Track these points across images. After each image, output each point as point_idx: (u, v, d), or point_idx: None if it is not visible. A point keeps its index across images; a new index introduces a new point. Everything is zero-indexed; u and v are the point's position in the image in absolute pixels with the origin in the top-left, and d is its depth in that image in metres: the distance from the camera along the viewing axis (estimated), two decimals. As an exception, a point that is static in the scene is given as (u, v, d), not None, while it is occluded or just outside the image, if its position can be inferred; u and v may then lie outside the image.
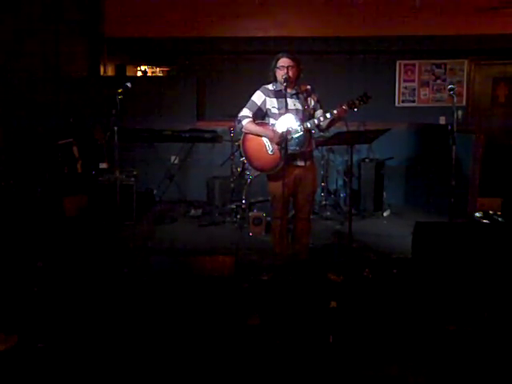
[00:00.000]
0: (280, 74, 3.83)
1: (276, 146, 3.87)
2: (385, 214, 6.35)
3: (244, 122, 3.96)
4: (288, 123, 3.79)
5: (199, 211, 6.36)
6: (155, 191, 6.71)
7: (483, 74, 7.41)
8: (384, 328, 3.17)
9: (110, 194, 5.45)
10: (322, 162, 6.27)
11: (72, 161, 6.03)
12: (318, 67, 6.88)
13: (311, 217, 4.31)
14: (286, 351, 2.93)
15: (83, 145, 6.18)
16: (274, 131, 3.87)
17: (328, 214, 6.23)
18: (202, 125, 7.16)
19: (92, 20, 7.35)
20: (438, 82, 7.39)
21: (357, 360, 2.85)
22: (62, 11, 6.62)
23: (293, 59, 3.85)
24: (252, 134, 3.97)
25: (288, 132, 3.77)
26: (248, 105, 3.99)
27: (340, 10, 7.04)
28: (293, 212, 4.25)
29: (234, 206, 6.03)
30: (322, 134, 4.70)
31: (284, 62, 3.84)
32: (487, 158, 6.16)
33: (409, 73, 7.41)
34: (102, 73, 7.50)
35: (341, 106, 3.74)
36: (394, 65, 7.40)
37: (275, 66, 3.89)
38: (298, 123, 3.84)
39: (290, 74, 3.82)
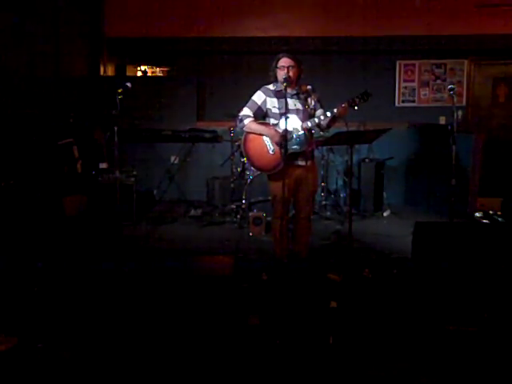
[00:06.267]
0: (280, 74, 3.83)
1: (277, 146, 3.87)
2: (385, 214, 6.35)
3: (246, 121, 3.96)
4: (289, 123, 3.79)
5: (199, 211, 6.35)
6: (155, 191, 6.70)
7: (483, 74, 7.41)
8: (384, 328, 3.17)
9: (110, 194, 5.43)
10: (322, 162, 6.27)
11: (72, 161, 6.02)
12: (318, 67, 6.89)
13: (311, 217, 4.31)
14: (285, 351, 2.93)
15: (83, 145, 6.17)
16: (276, 130, 3.88)
17: (328, 214, 6.23)
18: (202, 125, 7.16)
19: (92, 20, 7.35)
20: (438, 81, 7.39)
21: (357, 360, 2.85)
22: (61, 11, 6.61)
23: (293, 59, 3.86)
24: (253, 133, 3.97)
25: (289, 131, 3.77)
26: (248, 104, 4.00)
27: (340, 10, 7.05)
28: (293, 212, 4.25)
29: (234, 206, 6.03)
30: (322, 133, 4.70)
31: (285, 62, 3.85)
32: (487, 158, 6.16)
33: (409, 73, 7.41)
34: (102, 73, 7.50)
35: (341, 105, 3.75)
36: (394, 65, 7.40)
37: (276, 66, 3.89)
38: (299, 123, 3.84)
39: (291, 74, 3.82)
